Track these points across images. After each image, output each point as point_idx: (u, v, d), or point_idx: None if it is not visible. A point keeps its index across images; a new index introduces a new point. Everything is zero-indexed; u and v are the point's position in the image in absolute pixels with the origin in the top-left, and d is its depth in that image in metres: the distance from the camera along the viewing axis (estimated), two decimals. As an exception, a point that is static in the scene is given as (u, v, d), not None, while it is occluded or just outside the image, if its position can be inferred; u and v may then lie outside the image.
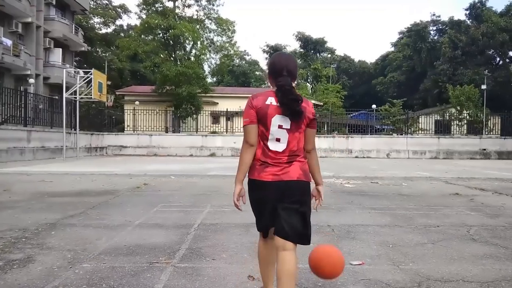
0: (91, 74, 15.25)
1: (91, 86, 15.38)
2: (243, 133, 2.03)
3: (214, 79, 50.15)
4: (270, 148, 1.97)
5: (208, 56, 26.62)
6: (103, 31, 38.66)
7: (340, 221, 4.41)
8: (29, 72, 21.23)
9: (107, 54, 36.66)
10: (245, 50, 65.53)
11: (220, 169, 11.27)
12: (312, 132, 2.07)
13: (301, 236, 1.95)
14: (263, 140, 1.98)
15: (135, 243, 3.40)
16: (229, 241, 3.49)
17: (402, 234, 3.85)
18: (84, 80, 15.88)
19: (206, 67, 28.00)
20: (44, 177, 8.73)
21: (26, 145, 14.78)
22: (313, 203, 2.11)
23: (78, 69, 19.15)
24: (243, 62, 53.53)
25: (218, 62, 28.20)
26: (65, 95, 15.13)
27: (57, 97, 18.35)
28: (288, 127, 1.96)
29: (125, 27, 41.74)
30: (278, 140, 1.96)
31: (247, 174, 2.04)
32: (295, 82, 2.13)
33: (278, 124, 1.94)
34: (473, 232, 3.97)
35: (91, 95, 15.53)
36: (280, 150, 1.97)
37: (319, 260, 1.96)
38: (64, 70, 16.59)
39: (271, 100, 1.96)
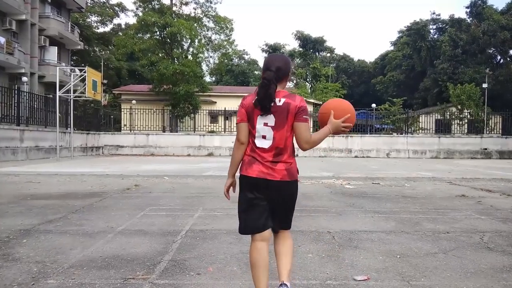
0: (84, 72, 14.87)
1: (86, 84, 15.01)
2: None
3: (213, 78, 49.80)
4: (257, 145, 2.02)
5: (206, 54, 26.26)
6: (101, 30, 38.28)
7: (341, 227, 4.06)
8: (23, 71, 20.82)
9: (103, 53, 36.19)
10: (244, 50, 65.22)
11: (216, 169, 10.91)
12: (302, 125, 2.00)
13: (284, 226, 2.13)
14: (251, 137, 2.05)
15: (112, 253, 3.04)
16: (218, 251, 3.13)
17: (409, 242, 3.49)
18: (77, 78, 15.49)
19: (204, 66, 27.57)
20: (32, 178, 8.36)
21: (19, 144, 14.40)
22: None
23: (74, 67, 18.72)
24: (242, 62, 53.15)
25: (216, 61, 27.83)
26: (58, 93, 14.75)
27: (51, 96, 17.96)
28: (273, 124, 1.99)
29: (123, 26, 41.33)
30: (264, 137, 2.01)
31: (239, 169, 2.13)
32: (288, 82, 2.16)
33: (264, 122, 1.99)
34: (487, 240, 3.61)
35: (85, 94, 15.15)
36: (266, 146, 2.01)
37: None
38: (58, 68, 16.15)
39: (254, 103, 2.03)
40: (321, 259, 2.98)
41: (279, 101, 1.99)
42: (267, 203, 2.02)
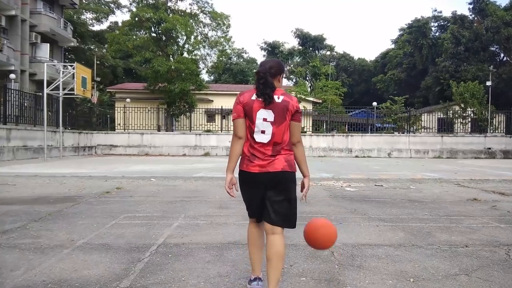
0: (73, 69, 14.29)
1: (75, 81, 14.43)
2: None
3: (212, 77, 49.19)
4: (256, 140, 2.10)
5: (202, 51, 25.64)
6: (96, 27, 37.62)
7: (341, 239, 3.48)
8: (13, 68, 20.19)
9: (96, 49, 35.53)
10: (242, 48, 64.66)
11: (209, 170, 10.36)
12: (296, 125, 2.15)
13: (286, 220, 2.13)
14: (250, 133, 2.11)
15: (60, 276, 2.47)
16: (191, 274, 2.56)
17: (423, 259, 2.93)
18: (66, 75, 14.88)
19: (201, 64, 26.88)
20: (10, 180, 7.82)
21: (6, 144, 13.84)
22: (300, 195, 2.22)
23: (65, 64, 18.06)
24: (241, 60, 52.51)
25: (213, 59, 27.20)
26: (46, 90, 14.17)
27: (41, 94, 17.38)
28: (272, 120, 2.08)
29: (119, 24, 40.65)
30: (263, 132, 2.08)
31: (237, 165, 2.17)
32: (282, 78, 2.24)
33: (263, 117, 2.07)
34: (515, 256, 3.05)
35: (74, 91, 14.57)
36: (265, 141, 2.09)
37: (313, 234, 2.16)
38: (45, 64, 15.55)
39: (256, 96, 2.11)
40: (317, 284, 2.42)
41: (278, 98, 2.09)
42: (268, 197, 2.10)
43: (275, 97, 2.07)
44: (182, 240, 3.37)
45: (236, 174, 2.19)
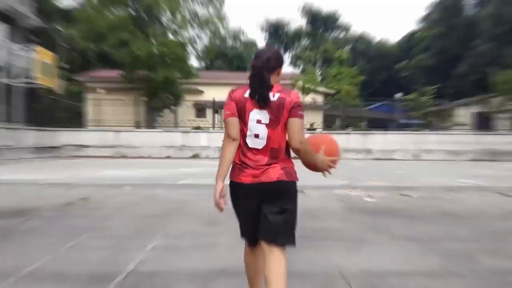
0: (33, 52, 14.12)
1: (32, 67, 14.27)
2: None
3: (203, 63, 49.09)
4: (249, 146, 2.11)
5: (191, 32, 25.46)
6: (67, 3, 37.42)
7: (360, 265, 3.31)
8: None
9: (64, 30, 35.35)
10: (239, 27, 64.60)
11: (196, 175, 10.18)
12: (296, 121, 2.08)
13: (284, 236, 2.09)
14: (242, 137, 2.12)
15: (-5, 318, 2.29)
16: (166, 313, 2.38)
17: (465, 293, 2.75)
18: (23, 60, 14.72)
19: (190, 49, 26.69)
20: (-47, 188, 7.63)
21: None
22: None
23: (21, 46, 17.84)
24: (238, 43, 52.42)
25: (204, 42, 27.06)
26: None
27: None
28: (267, 121, 2.08)
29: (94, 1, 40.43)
30: (256, 136, 2.09)
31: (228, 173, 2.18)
32: (279, 71, 2.23)
33: (257, 118, 2.08)
34: None
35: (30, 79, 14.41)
36: (260, 147, 2.09)
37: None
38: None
39: (249, 95, 2.13)
40: (329, 327, 2.24)
41: (273, 96, 2.09)
42: (263, 211, 2.09)
43: (270, 94, 2.08)
44: (157, 267, 3.18)
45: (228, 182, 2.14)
